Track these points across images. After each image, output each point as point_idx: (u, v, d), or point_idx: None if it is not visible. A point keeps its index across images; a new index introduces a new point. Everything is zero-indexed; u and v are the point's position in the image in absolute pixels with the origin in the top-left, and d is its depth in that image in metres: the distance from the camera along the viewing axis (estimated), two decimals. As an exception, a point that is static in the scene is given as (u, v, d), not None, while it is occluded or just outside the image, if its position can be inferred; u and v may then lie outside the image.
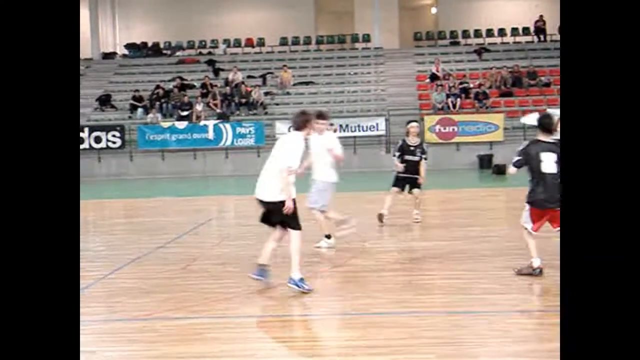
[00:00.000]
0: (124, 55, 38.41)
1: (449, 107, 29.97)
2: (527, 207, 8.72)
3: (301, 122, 8.55)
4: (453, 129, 28.84)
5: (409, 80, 33.77)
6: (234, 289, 8.44)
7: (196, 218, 15.55)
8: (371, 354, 5.92)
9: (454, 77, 32.00)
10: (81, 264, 10.46)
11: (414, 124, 13.82)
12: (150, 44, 38.48)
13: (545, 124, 8.55)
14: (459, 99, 30.28)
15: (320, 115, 10.86)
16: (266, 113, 31.38)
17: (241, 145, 29.35)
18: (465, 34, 37.63)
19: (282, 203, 8.10)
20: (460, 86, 31.08)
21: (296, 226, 8.26)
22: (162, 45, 38.57)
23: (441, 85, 30.77)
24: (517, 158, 8.64)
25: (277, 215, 8.30)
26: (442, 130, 28.90)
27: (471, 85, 31.37)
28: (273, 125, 29.50)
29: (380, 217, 13.47)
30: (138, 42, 38.73)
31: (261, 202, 8.48)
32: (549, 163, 8.33)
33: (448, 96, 30.26)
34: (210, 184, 25.65)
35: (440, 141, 28.63)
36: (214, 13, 39.61)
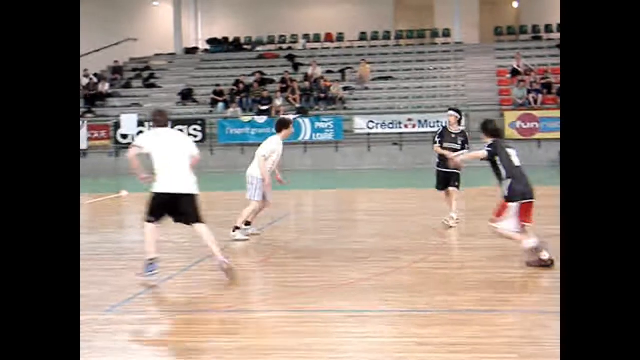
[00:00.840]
0: (206, 50, 38.96)
1: (530, 103, 29.46)
2: (513, 205, 8.94)
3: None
4: (534, 125, 28.33)
5: (489, 76, 33.32)
6: (314, 282, 8.48)
7: (275, 212, 15.67)
8: (451, 352, 5.88)
9: (536, 72, 31.40)
10: (163, 255, 10.70)
11: (452, 112, 13.41)
12: (231, 39, 38.94)
13: (491, 129, 9.60)
14: (540, 95, 29.73)
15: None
16: (345, 108, 31.41)
17: (320, 140, 29.45)
18: (548, 29, 36.87)
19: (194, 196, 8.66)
20: (542, 81, 30.49)
21: (200, 219, 8.78)
22: (242, 40, 38.98)
23: (522, 80, 30.26)
24: (488, 148, 9.41)
25: (187, 208, 8.67)
26: (523, 127, 28.43)
27: (553, 81, 30.75)
28: (352, 120, 29.51)
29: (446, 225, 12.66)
30: (219, 37, 39.23)
31: (171, 195, 8.68)
32: (515, 158, 9.23)
33: (529, 92, 29.75)
34: (289, 178, 25.83)
35: (521, 137, 28.15)
36: (294, 8, 39.84)
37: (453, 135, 12.91)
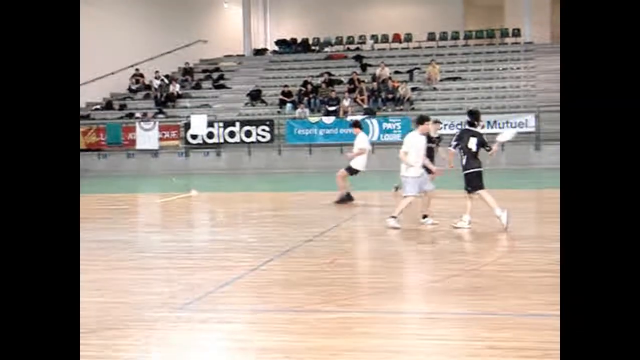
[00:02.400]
0: (274, 52, 39.24)
1: (603, 104, 28.85)
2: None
3: None
4: (607, 126, 27.74)
5: (560, 76, 32.73)
6: (383, 284, 8.46)
7: (342, 213, 15.71)
8: (522, 357, 5.79)
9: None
10: (232, 255, 10.82)
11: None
12: (299, 40, 39.14)
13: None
14: (614, 95, 29.08)
15: None
16: (413, 109, 31.25)
17: (387, 141, 29.35)
18: (622, 27, 36.06)
19: None
20: (616, 81, 29.82)
21: None
22: (310, 41, 39.13)
23: (595, 80, 29.64)
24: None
25: None
26: (595, 128, 27.85)
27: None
28: (420, 120, 29.34)
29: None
30: (288, 38, 39.48)
31: None
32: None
33: (602, 92, 29.12)
34: (356, 178, 25.80)
35: (594, 139, 27.60)
36: (362, 9, 39.83)
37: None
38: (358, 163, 17.04)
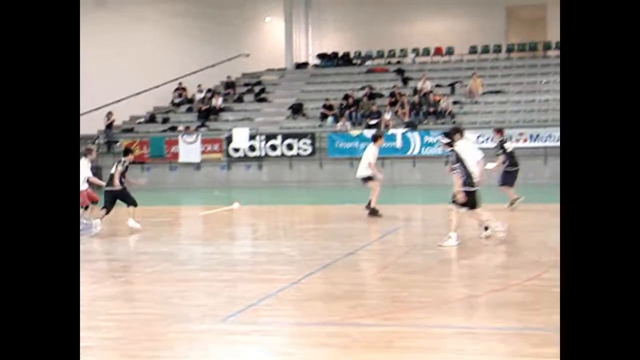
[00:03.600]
0: (316, 65, 39.39)
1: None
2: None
3: None
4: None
5: (605, 89, 32.38)
6: (424, 298, 8.43)
7: (384, 226, 15.68)
8: (568, 373, 5.72)
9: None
10: (274, 267, 10.86)
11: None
12: (340, 54, 39.23)
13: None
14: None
15: None
16: (454, 122, 31.09)
17: (429, 154, 29.27)
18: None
19: None
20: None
21: None
22: (352, 55, 39.20)
23: None
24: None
25: None
26: None
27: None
28: (461, 134, 29.20)
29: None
30: (329, 52, 39.59)
31: None
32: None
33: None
34: (398, 192, 25.75)
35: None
36: (403, 22, 39.78)
37: None
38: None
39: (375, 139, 17.91)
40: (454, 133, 13.03)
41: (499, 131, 18.43)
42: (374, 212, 16.83)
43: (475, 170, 12.58)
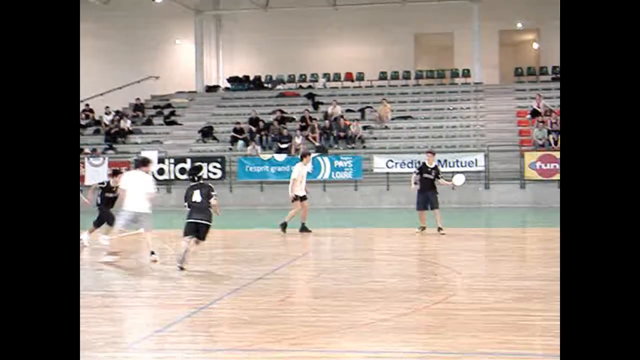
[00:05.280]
0: (227, 89, 39.25)
1: (550, 144, 29.36)
2: None
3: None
4: (555, 166, 28.16)
5: (509, 116, 33.29)
6: (334, 322, 8.39)
7: (293, 250, 15.64)
8: (474, 396, 5.77)
9: (556, 113, 31.32)
10: (182, 293, 10.66)
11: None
12: (252, 78, 39.22)
13: None
14: (560, 136, 29.64)
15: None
16: (364, 147, 31.44)
17: (339, 179, 29.44)
18: (569, 70, 36.81)
19: None
20: (563, 122, 30.39)
21: None
22: (263, 79, 39.24)
23: (542, 121, 30.22)
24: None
25: None
26: (543, 167, 28.30)
27: (574, 122, 30.63)
28: (371, 159, 29.51)
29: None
30: (240, 75, 39.53)
31: None
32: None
33: (549, 132, 29.66)
34: (308, 216, 25.78)
35: (541, 178, 28.04)
36: (314, 47, 40.09)
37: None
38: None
39: (301, 157, 19.18)
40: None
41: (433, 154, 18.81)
42: (284, 227, 18.03)
43: None
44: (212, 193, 12.58)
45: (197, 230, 12.50)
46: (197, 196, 12.54)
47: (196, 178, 12.90)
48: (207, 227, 12.56)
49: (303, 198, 18.40)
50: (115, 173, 16.04)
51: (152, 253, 13.51)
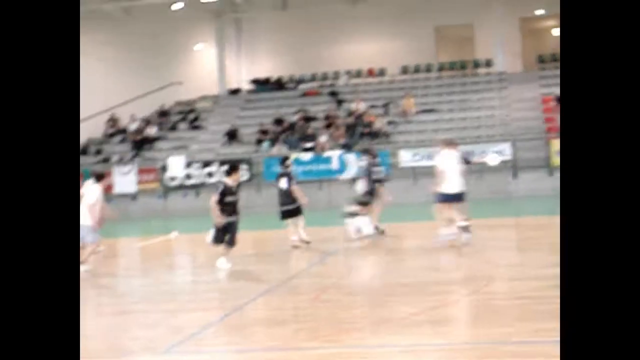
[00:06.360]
0: (249, 91, 39.40)
1: (577, 130, 29.12)
2: None
3: None
4: (582, 152, 27.92)
5: (534, 104, 33.09)
6: (367, 318, 8.45)
7: (325, 248, 15.69)
8: (510, 384, 5.79)
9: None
10: (215, 295, 10.77)
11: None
12: (274, 79, 39.33)
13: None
14: (587, 121, 29.38)
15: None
16: (389, 142, 31.42)
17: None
18: (591, 54, 36.50)
19: None
20: (589, 107, 30.14)
21: None
22: (285, 79, 39.34)
23: (568, 107, 29.99)
24: None
25: None
26: (570, 154, 28.09)
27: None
28: (396, 154, 29.48)
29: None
30: (262, 77, 39.66)
31: None
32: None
33: (576, 118, 29.42)
34: (336, 214, 25.82)
35: (570, 165, 27.85)
36: (334, 45, 40.11)
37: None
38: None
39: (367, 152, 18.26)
40: None
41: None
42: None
43: None
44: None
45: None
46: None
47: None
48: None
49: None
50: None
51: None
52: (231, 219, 12.78)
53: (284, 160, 16.94)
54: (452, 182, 14.09)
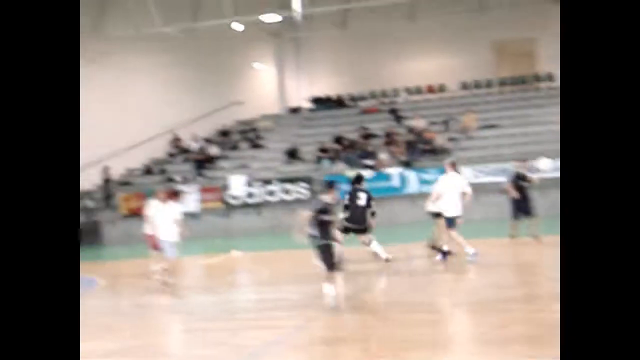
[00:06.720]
0: (309, 109, 39.58)
1: None
2: None
3: None
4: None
5: (598, 117, 32.48)
6: (431, 336, 8.33)
7: (386, 265, 15.59)
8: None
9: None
10: (278, 313, 10.76)
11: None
12: (333, 97, 39.45)
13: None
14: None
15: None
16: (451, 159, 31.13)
17: (427, 192, 29.17)
18: (657, 66, 35.76)
19: None
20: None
21: None
22: (344, 97, 39.42)
23: (634, 120, 29.38)
24: None
25: None
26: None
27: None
28: (458, 170, 29.20)
29: None
30: (322, 95, 39.83)
31: None
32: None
33: None
34: (397, 230, 25.72)
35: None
36: (392, 62, 40.09)
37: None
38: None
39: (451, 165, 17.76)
40: None
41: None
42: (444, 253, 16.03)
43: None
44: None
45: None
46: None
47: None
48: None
49: (436, 215, 16.74)
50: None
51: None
52: (325, 241, 11.53)
53: (358, 178, 16.73)
54: (452, 205, 14.52)
